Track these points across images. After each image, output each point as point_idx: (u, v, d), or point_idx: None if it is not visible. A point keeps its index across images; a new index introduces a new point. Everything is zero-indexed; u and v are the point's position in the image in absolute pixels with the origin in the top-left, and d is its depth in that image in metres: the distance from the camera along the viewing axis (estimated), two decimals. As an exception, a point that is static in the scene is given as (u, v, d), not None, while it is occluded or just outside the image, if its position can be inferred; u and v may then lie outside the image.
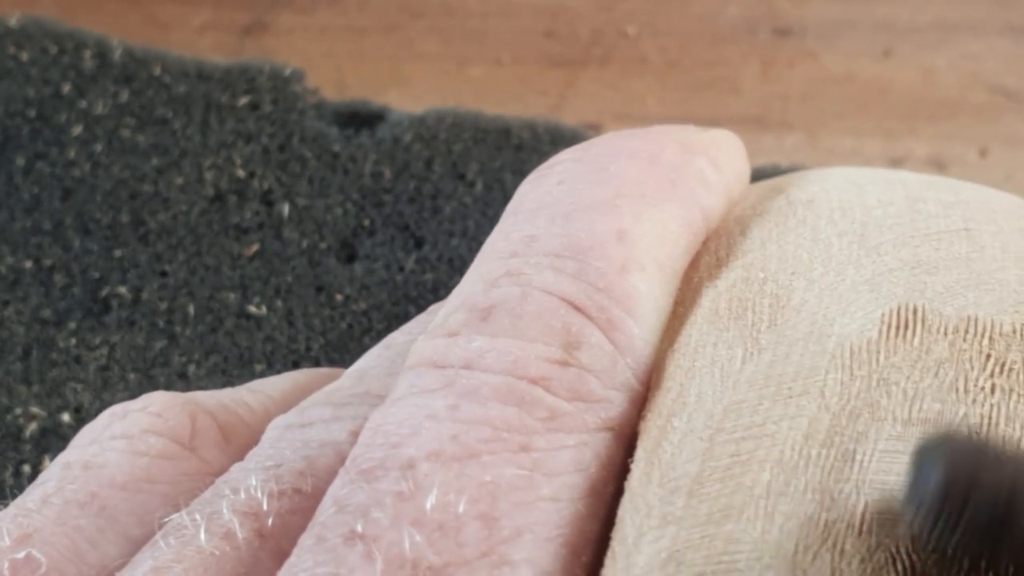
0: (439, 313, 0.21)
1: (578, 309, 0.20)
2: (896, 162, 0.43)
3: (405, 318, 0.34)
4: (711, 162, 0.23)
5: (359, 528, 0.17)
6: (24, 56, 0.39)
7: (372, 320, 0.35)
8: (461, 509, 0.17)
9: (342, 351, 0.34)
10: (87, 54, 0.39)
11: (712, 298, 0.21)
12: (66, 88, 0.39)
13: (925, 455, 0.16)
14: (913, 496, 0.16)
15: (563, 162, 0.23)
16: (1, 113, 0.38)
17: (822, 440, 0.18)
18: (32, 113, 0.38)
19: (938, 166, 0.43)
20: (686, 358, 0.20)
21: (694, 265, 0.22)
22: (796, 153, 0.43)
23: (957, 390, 0.18)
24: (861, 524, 0.17)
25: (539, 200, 0.22)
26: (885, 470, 0.17)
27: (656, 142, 0.23)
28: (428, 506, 0.17)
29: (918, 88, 0.45)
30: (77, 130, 0.38)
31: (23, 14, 0.40)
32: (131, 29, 0.47)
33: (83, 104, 0.39)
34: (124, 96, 0.39)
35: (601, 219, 0.21)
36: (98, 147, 0.38)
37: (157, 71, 0.39)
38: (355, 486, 0.18)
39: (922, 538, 0.16)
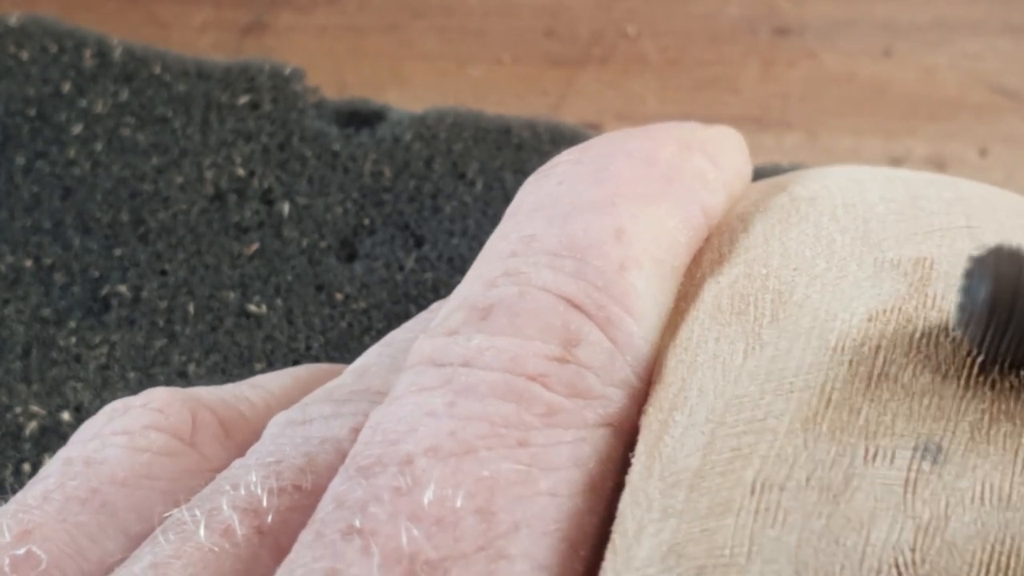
0: (439, 313, 0.21)
1: (577, 307, 0.20)
2: (896, 162, 0.43)
3: (405, 317, 0.34)
4: (709, 159, 0.23)
5: (357, 523, 0.17)
6: (24, 55, 0.39)
7: (372, 319, 0.35)
8: (459, 504, 0.18)
9: (342, 350, 0.34)
10: (87, 53, 0.39)
11: (714, 293, 0.21)
12: (66, 87, 0.39)
13: (975, 269, 0.18)
14: (965, 307, 0.18)
15: (562, 163, 0.23)
16: (1, 112, 0.38)
17: (824, 435, 0.18)
18: (32, 112, 0.38)
19: (938, 166, 0.43)
20: (688, 353, 0.20)
21: (696, 262, 0.22)
22: (796, 152, 0.43)
23: (959, 385, 0.18)
24: (861, 518, 0.17)
25: (538, 201, 0.22)
26: (886, 465, 0.17)
27: (654, 141, 0.23)
28: (426, 501, 0.18)
29: (918, 88, 0.45)
30: (77, 129, 0.38)
31: (23, 13, 0.40)
32: (131, 28, 0.47)
33: (83, 103, 0.38)
34: (124, 95, 0.39)
35: (599, 218, 0.21)
36: (98, 146, 0.38)
37: (157, 70, 0.39)
38: (353, 482, 0.18)
39: (974, 346, 0.18)
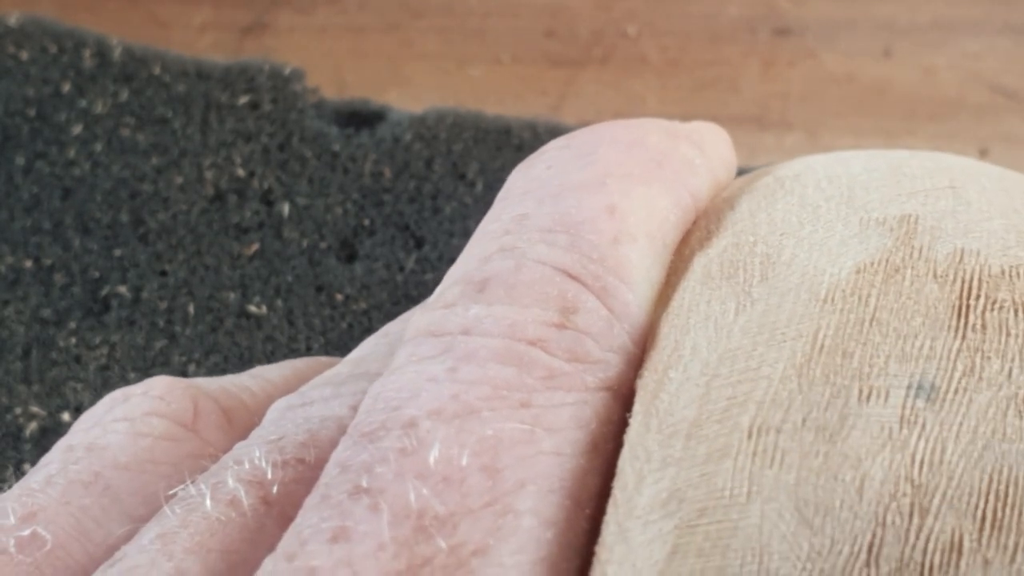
0: (435, 291, 0.21)
1: (573, 277, 0.20)
2: (896, 162, 0.43)
3: (405, 318, 0.34)
4: (695, 146, 0.24)
5: (364, 483, 0.18)
6: (24, 55, 0.39)
7: (372, 320, 0.35)
8: (464, 462, 0.18)
9: (342, 350, 0.34)
10: (87, 53, 0.39)
11: (704, 264, 0.21)
12: (66, 87, 0.39)
13: None
14: None
15: (550, 150, 0.23)
16: (1, 112, 0.38)
17: (818, 378, 0.18)
18: (32, 112, 0.38)
19: (938, 166, 0.43)
20: (680, 318, 0.20)
21: (685, 241, 0.23)
22: (796, 153, 0.43)
23: (949, 327, 0.18)
24: (858, 454, 0.17)
25: (527, 185, 0.22)
26: (881, 404, 0.18)
27: (640, 129, 0.24)
28: (431, 460, 0.18)
29: (918, 88, 0.45)
30: (77, 129, 0.38)
31: (23, 13, 0.40)
32: (131, 28, 0.47)
33: (83, 103, 0.38)
34: (124, 95, 0.39)
35: (590, 197, 0.21)
36: (98, 146, 0.38)
37: (157, 70, 0.39)
38: (358, 447, 0.18)
39: None
